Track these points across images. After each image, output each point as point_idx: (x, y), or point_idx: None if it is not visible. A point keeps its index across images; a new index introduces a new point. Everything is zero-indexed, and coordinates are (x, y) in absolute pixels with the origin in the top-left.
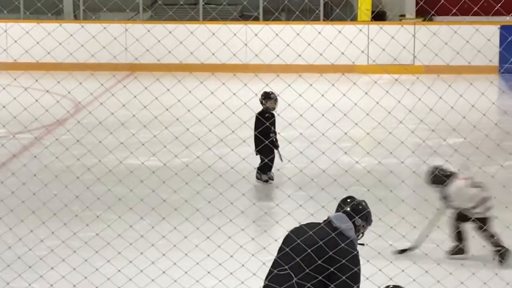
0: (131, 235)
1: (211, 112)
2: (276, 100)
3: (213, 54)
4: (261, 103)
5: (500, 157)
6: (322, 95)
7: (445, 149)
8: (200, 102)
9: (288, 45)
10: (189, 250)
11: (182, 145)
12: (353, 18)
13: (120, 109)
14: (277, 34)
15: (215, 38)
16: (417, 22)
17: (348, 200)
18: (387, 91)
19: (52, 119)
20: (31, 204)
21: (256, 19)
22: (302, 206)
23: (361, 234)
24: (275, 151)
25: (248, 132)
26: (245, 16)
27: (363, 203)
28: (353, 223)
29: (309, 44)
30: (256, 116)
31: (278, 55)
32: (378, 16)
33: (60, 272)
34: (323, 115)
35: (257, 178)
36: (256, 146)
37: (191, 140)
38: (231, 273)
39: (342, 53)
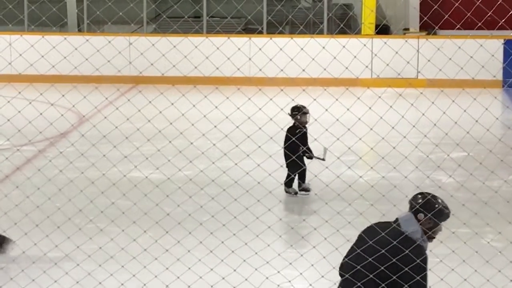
0: (134, 249)
1: (215, 126)
2: (307, 113)
3: (217, 68)
4: (292, 117)
5: (504, 172)
6: (326, 110)
7: (449, 164)
8: (204, 116)
9: (292, 59)
10: (192, 264)
11: (186, 159)
12: (357, 32)
13: (124, 122)
14: (281, 49)
15: (219, 52)
16: (421, 36)
17: (418, 196)
18: (390, 106)
19: (56, 132)
20: (34, 217)
21: (260, 32)
22: (305, 220)
23: (429, 232)
24: (316, 158)
25: (252, 146)
26: (249, 30)
27: (431, 199)
28: (418, 220)
29: (313, 59)
30: (286, 133)
31: (282, 70)
32: (382, 30)
33: (63, 285)
34: (326, 129)
35: (286, 191)
36: (286, 160)
37: (195, 154)
38: (234, 287)
39: (346, 68)
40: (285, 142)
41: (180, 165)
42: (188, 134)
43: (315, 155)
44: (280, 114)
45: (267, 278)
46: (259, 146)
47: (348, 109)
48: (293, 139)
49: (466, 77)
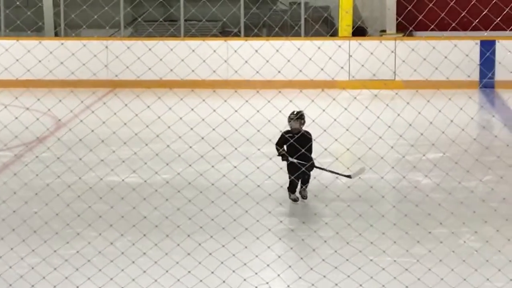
0: (111, 252)
1: (192, 129)
2: (296, 120)
3: (193, 70)
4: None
5: (479, 172)
6: (302, 111)
7: (425, 164)
8: (180, 118)
9: (267, 61)
10: (170, 267)
11: (162, 162)
12: (334, 34)
13: (100, 126)
14: (256, 51)
15: (195, 54)
16: (397, 38)
17: None
18: (366, 107)
19: (32, 137)
20: (11, 221)
21: (236, 35)
22: (282, 222)
23: None
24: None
25: (229, 149)
26: (226, 33)
27: None
28: None
29: (288, 61)
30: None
31: (258, 71)
32: (359, 32)
33: None
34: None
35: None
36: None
37: (172, 157)
38: None
39: (322, 69)
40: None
41: (157, 168)
42: (164, 137)
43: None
44: (257, 116)
45: (245, 280)
46: (236, 148)
47: (323, 110)
48: (294, 139)
49: (442, 77)
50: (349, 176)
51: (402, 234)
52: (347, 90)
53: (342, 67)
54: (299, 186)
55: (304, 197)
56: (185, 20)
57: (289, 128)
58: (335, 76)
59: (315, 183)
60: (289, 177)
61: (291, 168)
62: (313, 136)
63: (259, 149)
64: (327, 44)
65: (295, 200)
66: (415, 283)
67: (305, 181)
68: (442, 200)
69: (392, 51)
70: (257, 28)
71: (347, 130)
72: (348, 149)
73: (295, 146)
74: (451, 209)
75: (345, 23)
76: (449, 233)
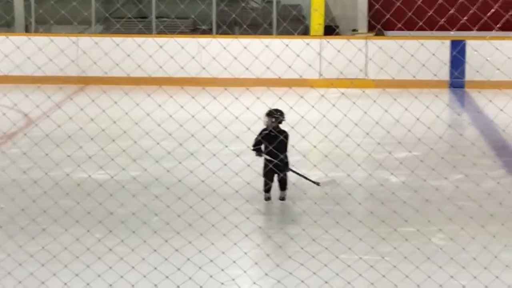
0: (78, 248)
1: (159, 125)
2: (270, 118)
3: (161, 67)
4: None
5: (445, 170)
6: (269, 109)
7: (392, 162)
8: (148, 115)
9: (235, 58)
10: (136, 263)
11: (130, 158)
12: (306, 33)
13: (68, 122)
14: (224, 48)
15: (165, 51)
16: (368, 37)
17: None
18: (333, 105)
19: None
20: None
21: (204, 33)
22: (249, 219)
23: None
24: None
25: (196, 145)
26: (197, 30)
27: None
28: None
29: (256, 58)
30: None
31: (225, 68)
32: (331, 30)
33: (6, 285)
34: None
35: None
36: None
37: (139, 153)
38: (178, 286)
39: (290, 67)
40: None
41: (124, 164)
42: (132, 134)
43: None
44: (225, 113)
45: (211, 276)
46: (203, 145)
47: (291, 108)
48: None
49: (412, 77)
50: (317, 184)
51: (368, 231)
52: (315, 88)
53: (310, 65)
54: (278, 190)
55: (282, 199)
56: (157, 17)
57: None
58: (303, 74)
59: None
60: (264, 178)
61: (266, 169)
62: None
63: (226, 146)
64: (298, 43)
65: (268, 199)
66: (380, 280)
67: (283, 184)
68: (408, 198)
69: (360, 49)
70: (228, 25)
71: (314, 127)
72: (314, 146)
73: (270, 144)
74: (417, 207)
75: (316, 21)
76: (415, 230)
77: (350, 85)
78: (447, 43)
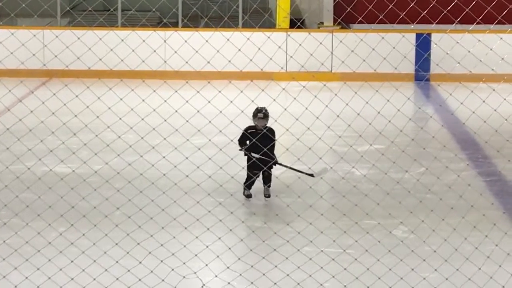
0: (39, 242)
1: (120, 119)
2: (264, 118)
3: (122, 60)
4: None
5: (406, 163)
6: (231, 102)
7: (353, 155)
8: (109, 108)
9: (197, 51)
10: (98, 256)
11: (91, 152)
12: (272, 26)
13: (29, 115)
14: (185, 41)
15: (127, 44)
16: (334, 30)
17: None
18: (294, 98)
19: None
20: None
21: (174, 25)
22: (211, 212)
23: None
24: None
25: (158, 139)
26: (164, 23)
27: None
28: None
29: (218, 51)
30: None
31: (187, 62)
32: (296, 23)
33: None
34: (231, 121)
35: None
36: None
37: (100, 147)
38: (139, 280)
39: (251, 60)
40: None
41: (86, 158)
42: (93, 127)
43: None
44: (186, 106)
45: (173, 270)
46: (165, 138)
47: (253, 101)
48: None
49: (381, 70)
50: (311, 175)
51: (330, 224)
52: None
53: (271, 58)
54: (261, 186)
55: (267, 195)
56: (122, 11)
57: (252, 124)
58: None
59: (244, 173)
60: (248, 173)
61: (252, 164)
62: (243, 127)
63: (187, 140)
64: (263, 36)
65: (248, 196)
66: (342, 272)
67: (267, 179)
68: (369, 191)
69: (320, 42)
70: (194, 19)
71: (275, 121)
72: (275, 140)
73: (254, 143)
74: (378, 200)
75: (282, 15)
76: (376, 223)
77: (312, 78)
78: (412, 36)
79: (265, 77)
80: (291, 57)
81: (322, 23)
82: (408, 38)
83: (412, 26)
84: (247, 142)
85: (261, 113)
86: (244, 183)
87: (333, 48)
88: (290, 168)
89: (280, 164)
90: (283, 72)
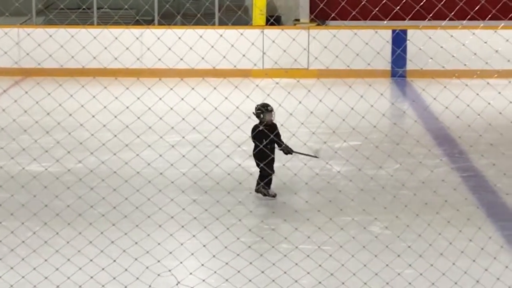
0: (12, 241)
1: (93, 117)
2: (272, 112)
3: (95, 57)
4: (257, 116)
5: (380, 159)
6: (204, 99)
7: (327, 152)
8: (82, 106)
9: (170, 49)
10: (71, 255)
11: (64, 150)
12: (250, 23)
13: (0, 114)
14: (158, 38)
15: (100, 42)
16: (311, 27)
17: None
18: (268, 95)
19: None
20: None
21: (150, 23)
22: (185, 210)
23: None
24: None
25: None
26: (142, 21)
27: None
28: None
29: (191, 48)
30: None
31: (159, 59)
32: (273, 20)
33: None
34: (205, 118)
35: (263, 193)
36: (257, 159)
37: (74, 145)
38: (114, 278)
39: (224, 57)
40: (257, 140)
41: (59, 156)
42: (66, 125)
43: (306, 152)
44: (160, 104)
45: (147, 268)
46: (138, 136)
47: (226, 98)
48: (280, 136)
49: (356, 66)
50: (316, 156)
51: (304, 221)
52: (252, 79)
53: (244, 55)
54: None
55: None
56: (98, 8)
57: (257, 121)
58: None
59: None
60: (265, 171)
61: (270, 161)
62: (217, 123)
63: (161, 137)
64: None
65: (275, 195)
66: (316, 269)
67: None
68: (343, 187)
69: (295, 39)
70: (171, 16)
71: (249, 117)
72: (250, 137)
73: (265, 138)
74: (352, 196)
75: (258, 11)
76: (350, 219)
77: (286, 75)
78: (389, 32)
79: (241, 74)
80: (264, 53)
81: (298, 20)
82: (385, 34)
83: (385, 22)
84: (264, 140)
85: (270, 107)
86: (262, 182)
87: (309, 45)
88: (301, 153)
89: (296, 152)
90: (259, 69)
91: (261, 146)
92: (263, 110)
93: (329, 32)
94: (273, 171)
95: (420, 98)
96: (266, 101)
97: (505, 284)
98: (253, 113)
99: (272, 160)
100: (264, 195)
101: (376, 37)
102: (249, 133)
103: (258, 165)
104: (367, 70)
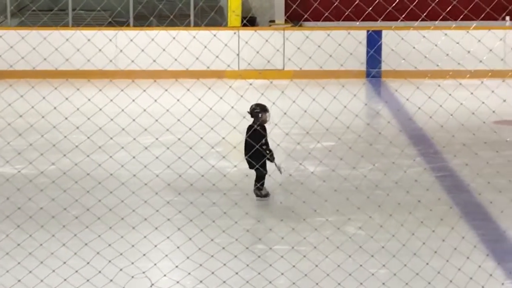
0: None
1: (66, 119)
2: (267, 112)
3: (67, 59)
4: (255, 115)
5: (353, 160)
6: (178, 100)
7: (301, 153)
8: (55, 108)
9: (143, 50)
10: (45, 257)
11: (37, 152)
12: (224, 24)
13: None
14: (131, 40)
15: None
16: (286, 28)
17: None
18: (241, 96)
19: None
20: None
21: (125, 25)
22: (159, 211)
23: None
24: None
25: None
26: (116, 22)
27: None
28: None
29: (164, 50)
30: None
31: (133, 60)
32: (249, 22)
33: None
34: (179, 119)
35: (257, 195)
36: (253, 159)
37: (46, 147)
38: (87, 280)
39: (197, 58)
40: (252, 140)
41: (31, 158)
42: (39, 127)
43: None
44: (133, 105)
45: (121, 270)
46: (111, 138)
47: (199, 99)
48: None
49: (330, 67)
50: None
51: (278, 222)
52: (225, 80)
53: (217, 56)
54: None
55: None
56: (73, 10)
57: (250, 121)
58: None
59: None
60: (261, 172)
61: (266, 161)
62: (190, 125)
63: (134, 139)
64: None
65: (268, 195)
66: (291, 270)
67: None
68: (317, 188)
69: (267, 41)
70: (148, 18)
71: (222, 119)
72: (223, 138)
73: (260, 138)
74: (325, 196)
75: (233, 13)
76: (324, 220)
77: (259, 76)
78: (364, 33)
79: (217, 75)
80: (237, 54)
81: (273, 21)
82: (360, 35)
83: (358, 23)
84: (263, 140)
85: (266, 107)
86: (259, 183)
87: (284, 46)
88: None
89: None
90: (235, 70)
91: (257, 146)
92: (262, 109)
93: (302, 33)
94: (266, 171)
95: (394, 99)
96: (239, 103)
97: (478, 284)
98: (248, 112)
99: (265, 160)
100: (258, 196)
101: (351, 38)
102: (223, 135)
103: (252, 166)
104: (342, 71)
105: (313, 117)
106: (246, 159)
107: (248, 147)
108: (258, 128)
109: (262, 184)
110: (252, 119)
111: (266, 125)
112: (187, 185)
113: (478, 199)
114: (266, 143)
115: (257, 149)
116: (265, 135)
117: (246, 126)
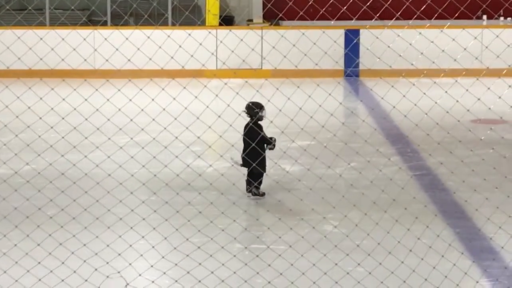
0: None
1: (40, 118)
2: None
3: (41, 59)
4: (253, 114)
5: (328, 159)
6: (153, 100)
7: (277, 152)
8: (29, 108)
9: (117, 49)
10: (19, 257)
11: (11, 152)
12: (202, 23)
13: None
14: (105, 39)
15: (46, 43)
16: (264, 27)
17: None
18: (216, 95)
19: None
20: None
21: (104, 24)
22: (134, 211)
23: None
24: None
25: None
26: (93, 21)
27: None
28: None
29: (138, 49)
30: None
31: (107, 60)
32: (227, 21)
33: None
34: (175, 118)
35: (254, 193)
36: (254, 158)
37: (20, 147)
38: (62, 280)
39: (172, 58)
40: (251, 138)
41: (5, 158)
42: (13, 127)
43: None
44: (108, 105)
45: (96, 269)
46: (86, 138)
47: (174, 99)
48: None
49: (308, 66)
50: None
51: (253, 221)
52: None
53: (192, 55)
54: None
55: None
56: (55, 9)
57: (248, 120)
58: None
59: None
60: (260, 170)
61: (262, 160)
62: (165, 124)
63: (109, 138)
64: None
65: (264, 194)
66: (266, 269)
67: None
68: (292, 187)
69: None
70: (124, 16)
71: (197, 118)
72: (198, 137)
73: (257, 135)
74: (300, 196)
75: (212, 12)
76: (299, 219)
77: (234, 75)
78: (342, 32)
79: (194, 74)
80: (212, 54)
81: (251, 20)
82: (338, 34)
83: (332, 22)
84: (255, 137)
85: (261, 105)
86: (256, 182)
87: (262, 45)
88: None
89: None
90: (212, 69)
91: (253, 144)
92: (259, 107)
93: (277, 32)
94: (264, 170)
95: (369, 97)
96: (216, 102)
97: (453, 282)
98: (244, 111)
99: (264, 158)
100: (255, 194)
101: (328, 37)
102: (198, 134)
103: (249, 165)
104: (320, 70)
105: (288, 116)
106: (243, 157)
107: (247, 145)
108: (253, 125)
109: (260, 183)
110: (249, 118)
111: (261, 122)
112: (162, 185)
113: (453, 198)
114: (266, 138)
115: (257, 147)
116: (260, 132)
117: (224, 126)
